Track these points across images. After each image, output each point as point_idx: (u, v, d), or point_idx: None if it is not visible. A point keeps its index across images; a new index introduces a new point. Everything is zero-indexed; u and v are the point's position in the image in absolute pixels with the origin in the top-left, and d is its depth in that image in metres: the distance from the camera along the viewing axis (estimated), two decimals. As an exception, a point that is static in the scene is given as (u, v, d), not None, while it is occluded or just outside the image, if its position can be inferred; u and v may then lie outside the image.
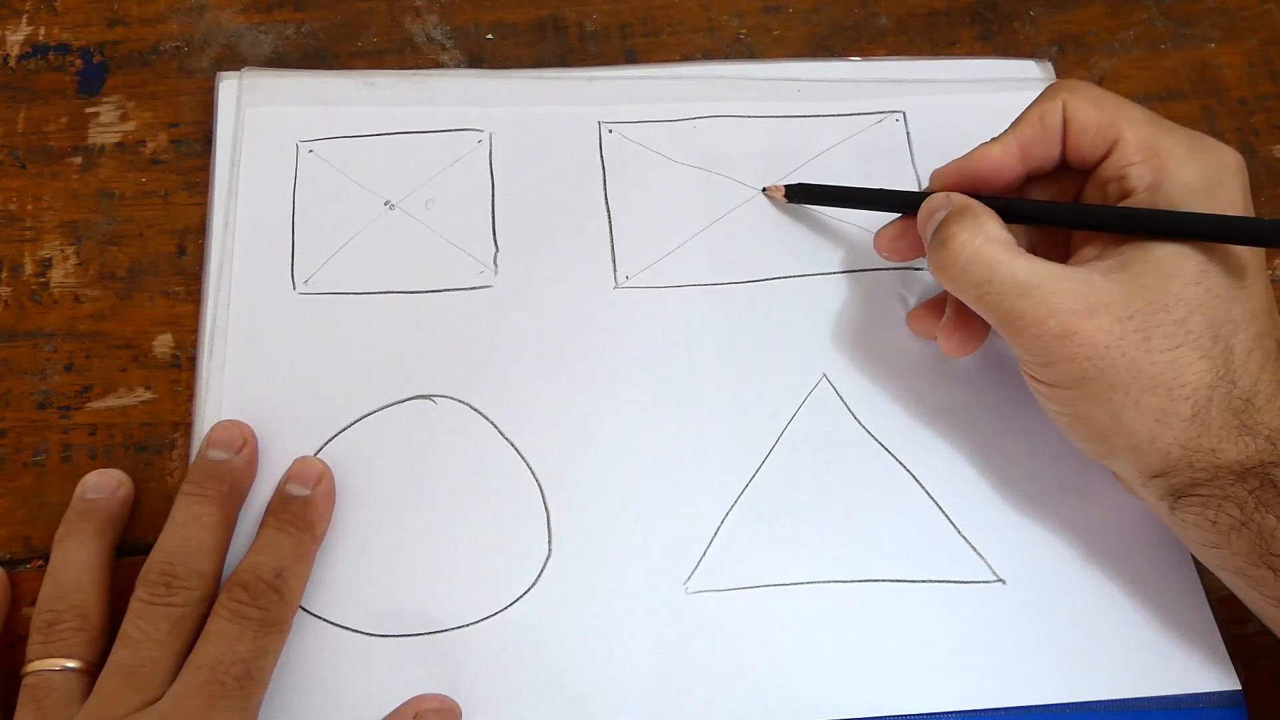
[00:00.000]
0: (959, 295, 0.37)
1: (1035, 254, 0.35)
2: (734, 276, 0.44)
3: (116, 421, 0.41)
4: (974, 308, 0.36)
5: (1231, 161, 0.35)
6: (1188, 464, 0.34)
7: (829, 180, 0.45)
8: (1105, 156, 0.37)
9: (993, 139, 0.38)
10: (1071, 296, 0.34)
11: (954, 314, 0.39)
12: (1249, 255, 0.35)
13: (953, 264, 0.36)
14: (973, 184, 0.38)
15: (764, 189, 0.45)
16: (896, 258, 0.41)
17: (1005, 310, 0.35)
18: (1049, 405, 0.37)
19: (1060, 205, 0.38)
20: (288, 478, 0.39)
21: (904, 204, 0.41)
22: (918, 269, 0.44)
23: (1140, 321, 0.33)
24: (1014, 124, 0.38)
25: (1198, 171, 0.35)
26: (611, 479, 0.40)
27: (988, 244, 0.35)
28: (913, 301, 0.43)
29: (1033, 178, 0.39)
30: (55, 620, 0.35)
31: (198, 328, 0.42)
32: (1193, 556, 0.39)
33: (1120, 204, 0.36)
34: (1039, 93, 0.38)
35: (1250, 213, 0.35)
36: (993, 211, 0.36)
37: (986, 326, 0.39)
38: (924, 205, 0.38)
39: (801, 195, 0.44)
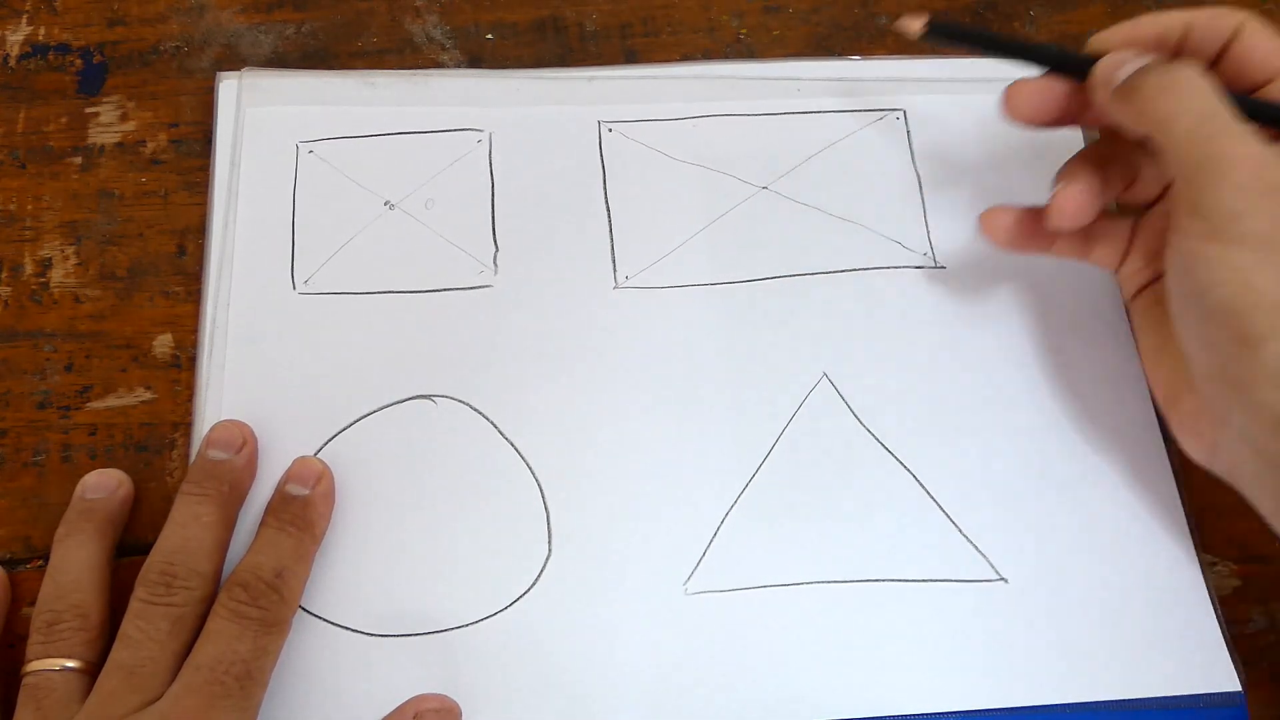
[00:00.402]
0: (1164, 125, 0.34)
1: None
2: (734, 276, 0.44)
3: (116, 421, 0.41)
4: (1178, 141, 0.34)
5: None
6: None
7: (829, 179, 0.45)
8: (1268, 81, 0.36)
9: (1160, 12, 0.37)
10: None
11: (1089, 160, 0.38)
12: None
13: (1179, 91, 0.34)
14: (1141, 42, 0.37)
15: (901, 19, 0.41)
16: (1036, 117, 0.39)
17: (1220, 148, 0.33)
18: (1213, 273, 0.33)
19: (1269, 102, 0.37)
20: (287, 477, 0.39)
21: (1069, 64, 0.38)
22: (918, 266, 0.44)
23: None
24: (1187, 9, 0.37)
25: None
26: (611, 479, 0.40)
27: (1215, 90, 0.34)
28: (913, 302, 0.43)
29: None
30: (55, 620, 0.35)
31: (198, 328, 0.42)
32: (1195, 552, 0.39)
33: None
34: None
35: None
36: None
37: (1112, 194, 0.38)
38: (1113, 55, 0.37)
39: (947, 33, 0.41)
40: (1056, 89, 0.38)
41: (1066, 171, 0.39)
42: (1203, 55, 0.37)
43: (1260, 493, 0.35)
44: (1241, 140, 0.33)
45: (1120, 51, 0.37)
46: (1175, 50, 0.38)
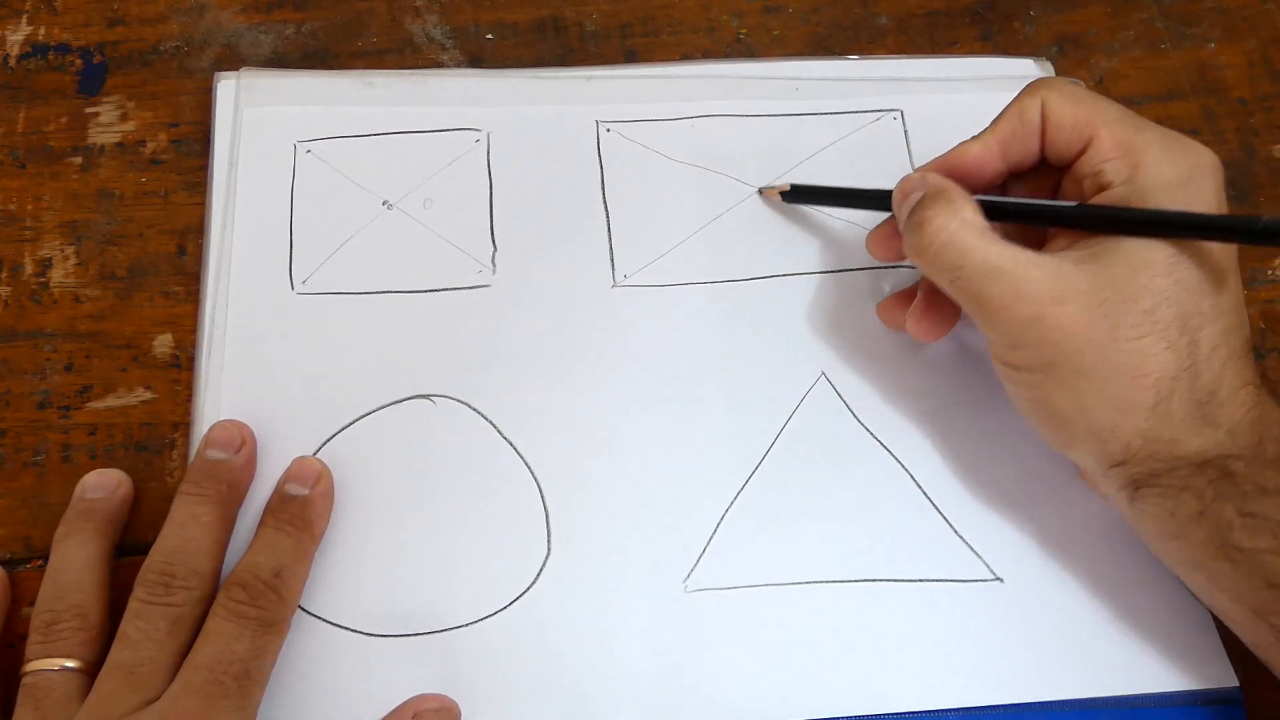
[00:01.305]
0: (933, 278, 0.37)
1: (1010, 241, 0.36)
2: (732, 275, 0.44)
3: (116, 421, 0.41)
4: (947, 291, 0.37)
5: (1207, 161, 0.36)
6: (1148, 453, 0.34)
7: (826, 178, 0.45)
8: (1081, 153, 0.37)
9: (974, 137, 0.39)
10: (1041, 283, 0.34)
11: (924, 298, 0.40)
12: (1221, 251, 0.35)
13: (927, 247, 0.36)
14: (953, 179, 0.38)
15: (760, 190, 0.45)
16: (887, 257, 0.41)
17: (976, 293, 0.35)
18: (1015, 390, 0.37)
19: (1035, 203, 0.38)
20: (286, 477, 0.39)
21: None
22: (914, 267, 0.44)
23: (1108, 309, 0.34)
24: (994, 122, 0.38)
25: (1172, 168, 0.35)
26: (610, 478, 0.40)
27: (962, 228, 0.35)
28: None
29: (1013, 174, 0.39)
30: (54, 620, 0.35)
31: (197, 328, 0.42)
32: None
33: (1096, 198, 0.36)
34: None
35: (1223, 211, 0.35)
36: (968, 196, 0.37)
37: (956, 312, 0.40)
38: (899, 185, 0.39)
39: (797, 196, 0.44)
40: (896, 228, 0.40)
41: (920, 286, 0.41)
42: (1031, 154, 0.38)
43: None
44: (990, 281, 0.35)
45: (904, 181, 0.38)
46: (1001, 165, 0.39)
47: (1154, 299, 0.34)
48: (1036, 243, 0.38)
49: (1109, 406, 0.34)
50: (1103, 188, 0.36)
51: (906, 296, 0.42)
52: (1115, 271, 0.34)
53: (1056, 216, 0.37)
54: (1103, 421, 0.34)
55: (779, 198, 0.44)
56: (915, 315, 0.40)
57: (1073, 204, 0.37)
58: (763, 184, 0.45)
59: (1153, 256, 0.34)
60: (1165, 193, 0.35)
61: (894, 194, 0.39)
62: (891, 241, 0.41)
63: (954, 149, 0.39)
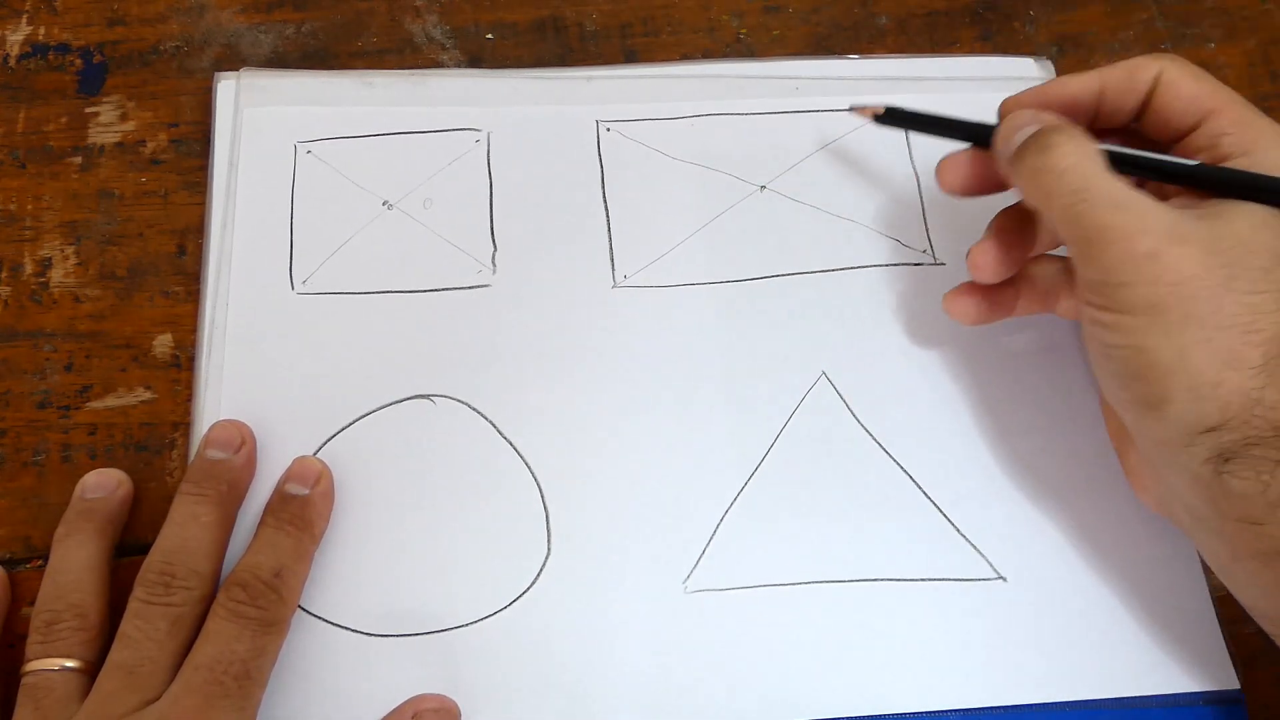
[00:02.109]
0: (1044, 202, 0.36)
1: None
2: (733, 274, 0.44)
3: (116, 421, 0.41)
4: (1059, 219, 0.35)
5: None
6: (1245, 419, 0.32)
7: (827, 178, 0.45)
8: (1194, 127, 0.36)
9: (1075, 74, 0.38)
10: (1166, 222, 0.33)
11: (997, 233, 0.39)
12: None
13: (1052, 168, 0.35)
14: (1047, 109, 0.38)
15: (851, 107, 0.43)
16: (959, 187, 0.40)
17: (1096, 222, 0.34)
18: (1109, 336, 0.35)
19: (1156, 157, 0.37)
20: (287, 477, 0.39)
21: (984, 136, 0.39)
22: (917, 264, 0.44)
23: (1227, 259, 0.33)
24: (1101, 68, 0.38)
25: None
26: (610, 478, 0.40)
27: (1089, 158, 0.35)
28: (912, 299, 0.43)
29: (1098, 132, 0.38)
30: (54, 620, 0.35)
31: (197, 328, 0.42)
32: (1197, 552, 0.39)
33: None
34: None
35: None
36: (1087, 133, 0.36)
37: (1023, 256, 0.39)
38: (1008, 120, 0.37)
39: (893, 119, 0.42)
40: (978, 161, 0.39)
41: (987, 229, 0.40)
42: (1123, 112, 0.38)
43: (1200, 546, 0.36)
44: (1114, 210, 0.34)
45: (1016, 115, 0.37)
46: (1093, 111, 0.38)
47: (1273, 259, 0.33)
48: None
49: (1215, 359, 0.32)
50: (1218, 161, 0.35)
51: (970, 286, 0.41)
52: (1236, 227, 0.33)
53: (1179, 173, 0.36)
54: (1206, 375, 0.32)
55: (872, 118, 0.43)
56: (981, 250, 0.39)
57: (1197, 163, 0.36)
58: (853, 104, 0.44)
59: (1274, 221, 0.33)
60: None
61: (1002, 125, 0.38)
62: (967, 169, 0.39)
63: (1053, 81, 0.38)
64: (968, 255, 0.39)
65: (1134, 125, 0.38)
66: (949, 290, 0.41)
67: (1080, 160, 0.35)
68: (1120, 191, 0.34)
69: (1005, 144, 0.37)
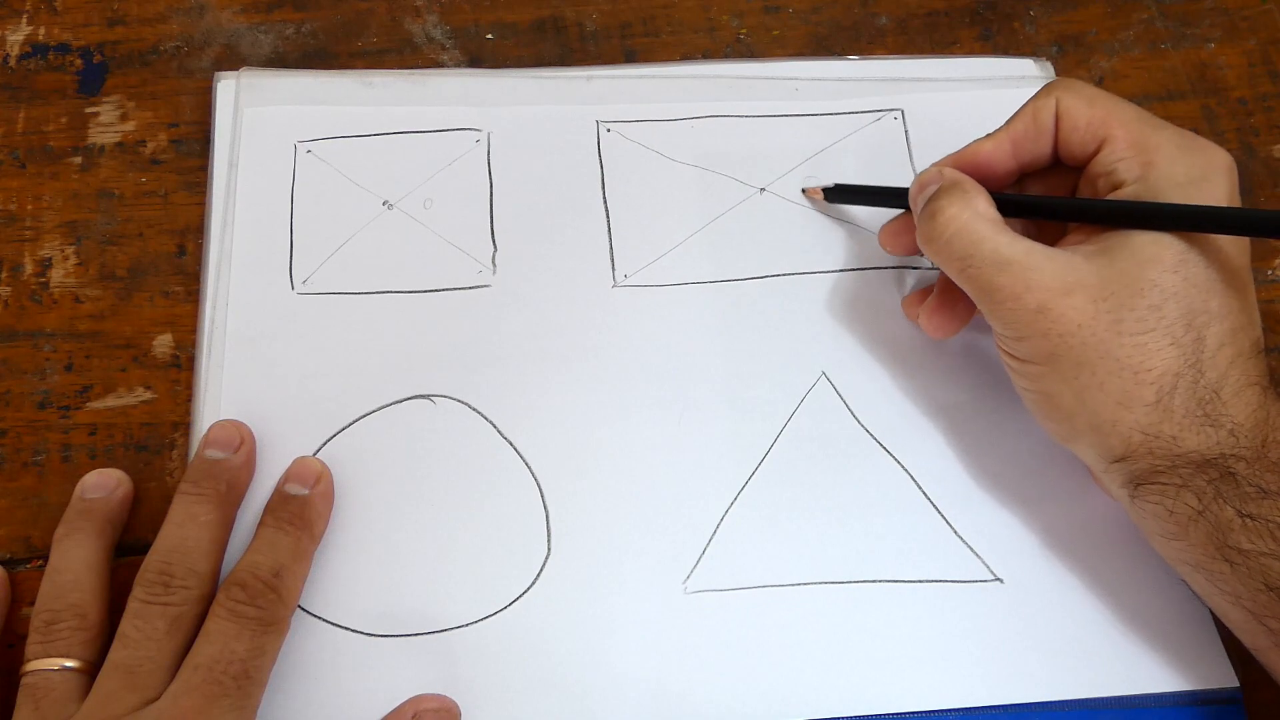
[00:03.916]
0: (943, 267, 0.37)
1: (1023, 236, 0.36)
2: (733, 274, 0.44)
3: (116, 421, 0.41)
4: (956, 280, 0.37)
5: (1221, 160, 0.36)
6: (1148, 450, 0.34)
7: (827, 178, 0.45)
8: (1096, 153, 0.37)
9: (987, 135, 0.39)
10: (1050, 274, 0.34)
11: (938, 295, 0.40)
12: (1233, 250, 0.35)
13: (939, 235, 0.36)
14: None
15: (803, 190, 0.45)
16: (898, 251, 0.42)
17: (985, 283, 0.35)
18: (1020, 382, 0.37)
19: (1044, 198, 0.39)
20: (286, 477, 0.39)
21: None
22: (915, 266, 0.44)
23: (1114, 304, 0.34)
24: (1008, 121, 0.39)
25: (1185, 167, 0.35)
26: (610, 478, 0.40)
27: (974, 219, 0.36)
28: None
29: (1026, 174, 0.40)
30: (54, 620, 0.35)
31: (197, 328, 0.42)
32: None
33: (1109, 197, 0.36)
34: (1036, 90, 0.38)
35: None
36: (982, 189, 0.37)
37: (968, 312, 0.40)
38: (916, 179, 0.39)
39: (839, 195, 0.44)
40: (909, 223, 0.40)
41: (934, 289, 0.41)
42: (1043, 155, 0.39)
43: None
44: (998, 271, 0.35)
45: (923, 174, 0.39)
46: (1012, 165, 0.39)
47: (1161, 294, 0.34)
48: (1052, 241, 0.38)
49: (1110, 401, 0.34)
50: (1116, 186, 0.36)
51: (927, 294, 0.42)
52: (1123, 266, 0.34)
53: (1067, 210, 0.37)
54: (1103, 416, 0.35)
55: (820, 196, 0.44)
56: (928, 311, 0.40)
57: (1083, 199, 0.37)
58: (799, 183, 0.45)
59: (1162, 252, 0.34)
60: (1178, 191, 0.35)
61: (911, 187, 0.39)
62: (902, 236, 0.41)
63: (967, 146, 0.39)
64: (920, 317, 0.41)
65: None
66: (924, 314, 0.41)
67: (968, 221, 0.36)
68: (1005, 249, 0.35)
69: (915, 205, 0.39)
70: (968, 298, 0.38)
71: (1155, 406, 0.34)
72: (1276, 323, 0.45)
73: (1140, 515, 0.36)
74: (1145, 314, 0.34)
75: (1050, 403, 0.36)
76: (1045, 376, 0.35)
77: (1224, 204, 0.35)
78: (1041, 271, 0.35)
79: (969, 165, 0.39)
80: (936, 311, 0.40)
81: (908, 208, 0.41)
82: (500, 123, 0.46)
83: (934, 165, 0.39)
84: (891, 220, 0.42)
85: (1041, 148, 0.38)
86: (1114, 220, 0.35)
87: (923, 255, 0.41)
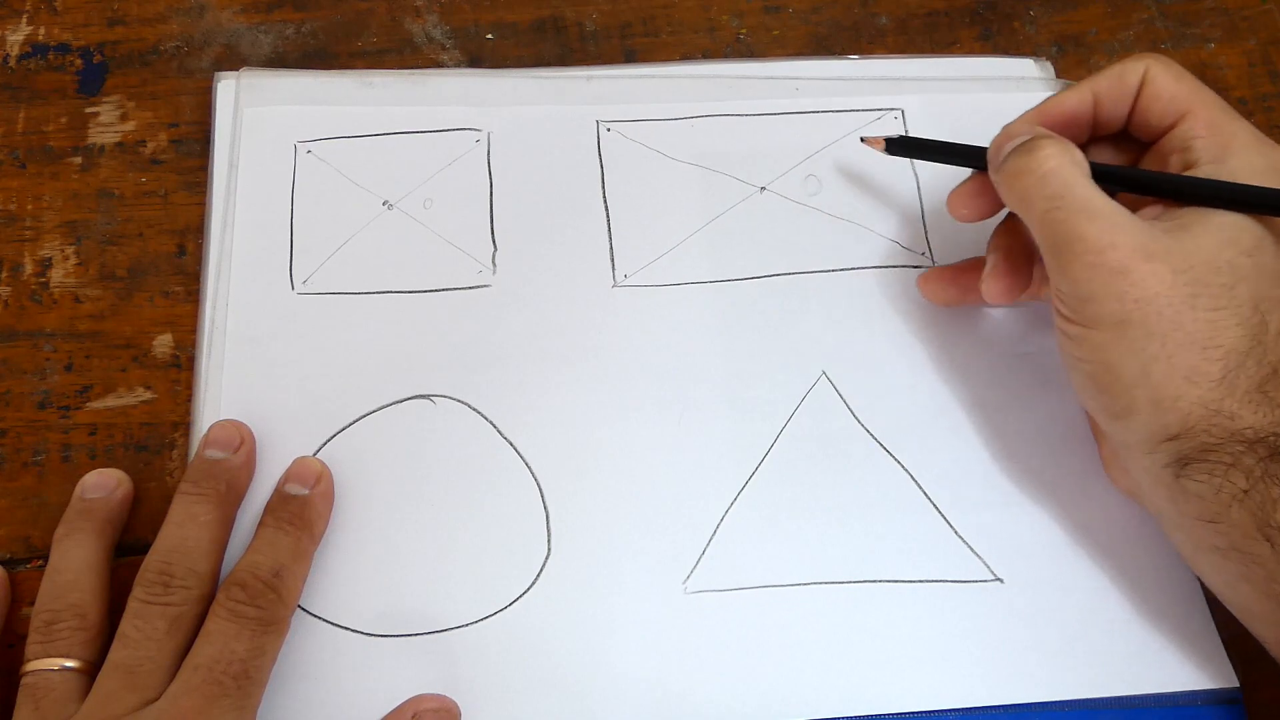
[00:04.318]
0: (1024, 207, 0.36)
1: None
2: (733, 274, 0.44)
3: (116, 421, 0.41)
4: (1037, 224, 0.36)
5: None
6: (1205, 427, 0.34)
7: (828, 177, 0.45)
8: (1171, 127, 0.37)
9: (1069, 87, 0.38)
10: (1136, 236, 0.34)
11: (1004, 258, 0.39)
12: None
13: (1033, 171, 0.35)
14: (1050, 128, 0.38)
15: (862, 139, 0.44)
16: (971, 216, 0.41)
17: (1069, 230, 0.34)
18: (1076, 350, 0.36)
19: (1130, 170, 0.38)
20: (287, 477, 0.39)
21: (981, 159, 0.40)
22: (916, 266, 0.44)
23: (1191, 277, 0.33)
24: (1092, 77, 0.38)
25: (1260, 159, 0.35)
26: (610, 478, 0.40)
27: (1071, 165, 0.35)
28: (911, 300, 0.43)
29: (1094, 141, 0.39)
30: (53, 620, 0.35)
31: (197, 328, 0.42)
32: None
33: (1185, 174, 0.36)
34: (1036, 90, 0.38)
35: None
36: (1073, 145, 0.36)
37: (1028, 276, 0.39)
38: (1002, 133, 0.38)
39: (899, 147, 0.43)
40: (985, 186, 0.39)
41: (989, 251, 0.40)
42: (1117, 117, 0.38)
43: (1168, 536, 0.37)
44: (1088, 220, 0.34)
45: (1010, 127, 0.38)
46: (1090, 122, 0.38)
47: (1235, 275, 0.34)
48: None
49: (1176, 375, 0.34)
50: (1189, 165, 0.36)
51: (950, 270, 0.41)
52: (1203, 243, 0.34)
53: (1152, 184, 0.37)
54: (1167, 390, 0.34)
55: (881, 146, 0.43)
56: (994, 274, 0.39)
57: (1172, 173, 0.36)
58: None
59: (1240, 236, 0.34)
60: (1256, 179, 0.35)
61: (995, 140, 0.38)
62: (979, 199, 0.40)
63: (1049, 99, 0.38)
64: (982, 283, 0.40)
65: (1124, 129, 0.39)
66: (923, 275, 0.40)
67: (1062, 165, 0.35)
68: (1097, 200, 0.35)
69: (997, 155, 0.38)
70: (1031, 255, 0.37)
71: (1220, 383, 0.33)
72: None
73: (1178, 498, 0.35)
74: (1219, 292, 0.33)
75: (1110, 374, 0.35)
76: (1109, 345, 0.34)
77: None
78: (1127, 232, 0.34)
79: (1053, 115, 0.38)
80: (1005, 274, 0.39)
81: (979, 168, 0.40)
82: (500, 123, 0.46)
83: (1019, 119, 0.39)
84: (965, 182, 0.41)
85: (1120, 109, 0.38)
86: (1197, 198, 0.35)
87: (992, 215, 0.40)
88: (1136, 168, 0.38)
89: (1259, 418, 0.33)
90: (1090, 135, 0.39)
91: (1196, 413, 0.34)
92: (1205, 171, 0.36)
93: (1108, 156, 0.40)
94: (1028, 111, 0.39)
